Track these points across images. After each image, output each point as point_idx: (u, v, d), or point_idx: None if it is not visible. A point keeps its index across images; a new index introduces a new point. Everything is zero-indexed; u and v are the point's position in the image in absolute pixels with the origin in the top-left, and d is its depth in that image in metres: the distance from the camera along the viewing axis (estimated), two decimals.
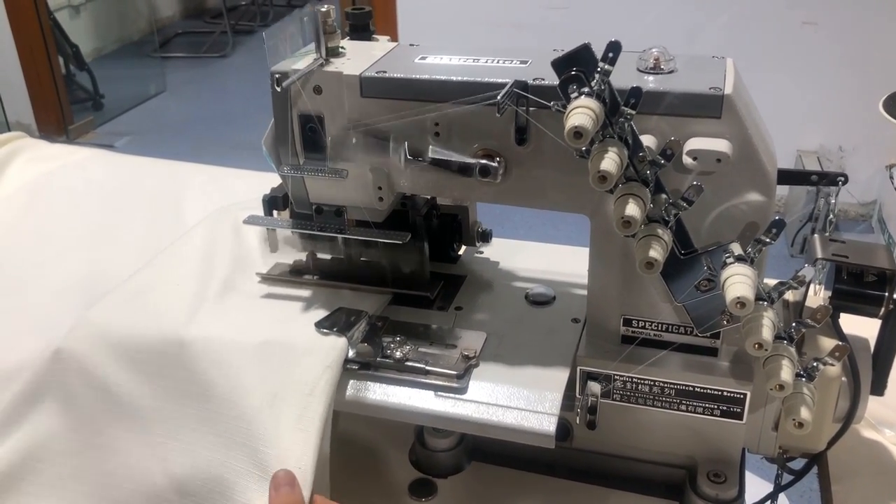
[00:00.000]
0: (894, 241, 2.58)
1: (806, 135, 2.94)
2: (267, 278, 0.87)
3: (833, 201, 0.81)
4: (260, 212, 0.85)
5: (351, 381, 0.74)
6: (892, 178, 2.68)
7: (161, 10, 5.58)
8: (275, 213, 0.85)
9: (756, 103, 0.69)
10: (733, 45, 2.77)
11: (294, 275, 0.87)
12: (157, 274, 0.87)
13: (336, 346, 0.75)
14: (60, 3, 4.30)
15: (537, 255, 0.94)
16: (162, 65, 4.77)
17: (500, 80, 0.67)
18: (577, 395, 0.75)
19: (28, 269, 0.96)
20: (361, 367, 0.75)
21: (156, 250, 0.92)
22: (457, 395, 0.72)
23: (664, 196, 0.63)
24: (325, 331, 0.77)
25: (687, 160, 0.63)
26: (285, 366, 0.73)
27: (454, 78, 0.69)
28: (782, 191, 2.94)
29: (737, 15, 2.67)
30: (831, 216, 0.82)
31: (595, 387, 0.73)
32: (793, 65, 2.84)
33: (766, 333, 0.62)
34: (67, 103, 3.91)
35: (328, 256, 0.88)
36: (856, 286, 0.71)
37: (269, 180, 0.87)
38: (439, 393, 0.73)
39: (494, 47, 0.75)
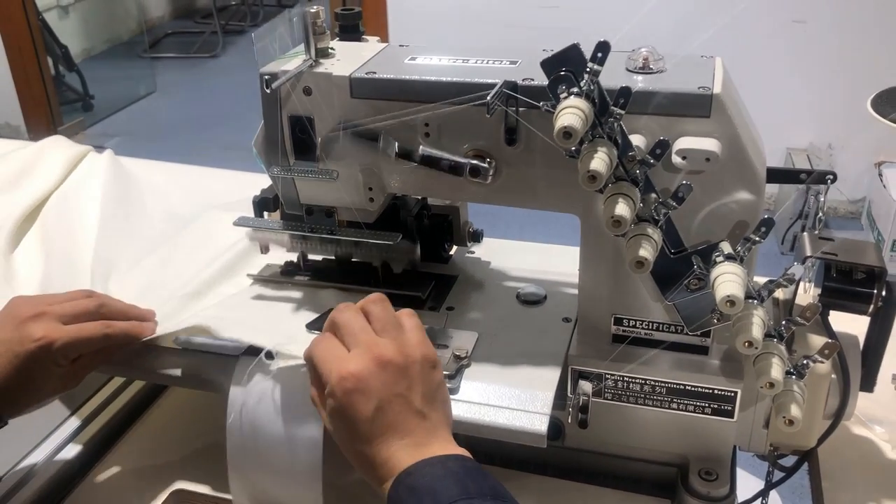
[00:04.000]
0: (883, 237, 2.60)
1: (795, 132, 2.95)
2: (257, 279, 0.87)
3: (822, 199, 0.81)
4: (250, 212, 0.85)
5: None
6: (881, 175, 2.70)
7: (151, 10, 5.56)
8: (265, 214, 0.85)
9: (745, 101, 0.69)
10: (723, 42, 2.77)
11: (285, 276, 0.87)
12: (145, 278, 0.87)
13: None
14: (49, 3, 4.28)
15: (528, 254, 0.94)
16: (152, 65, 4.76)
17: (489, 81, 0.67)
18: (569, 395, 0.75)
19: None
20: None
21: (143, 252, 0.91)
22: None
23: (654, 195, 0.63)
24: (316, 332, 0.77)
25: (676, 159, 0.64)
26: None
27: (444, 78, 0.69)
28: (772, 188, 2.94)
29: (726, 13, 2.68)
30: (821, 214, 0.82)
31: (586, 386, 0.74)
32: (782, 62, 2.85)
33: (756, 332, 0.62)
34: (57, 104, 3.89)
35: (319, 257, 0.88)
36: (845, 284, 0.71)
37: (260, 181, 0.86)
38: None
39: (484, 47, 0.75)
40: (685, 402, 0.73)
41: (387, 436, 0.62)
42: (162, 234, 0.98)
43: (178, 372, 0.78)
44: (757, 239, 0.63)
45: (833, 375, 0.73)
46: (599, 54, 0.59)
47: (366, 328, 0.66)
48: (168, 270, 0.88)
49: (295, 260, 0.88)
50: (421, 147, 0.72)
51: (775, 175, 0.71)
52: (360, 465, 0.64)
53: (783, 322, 0.66)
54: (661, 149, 0.61)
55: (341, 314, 0.67)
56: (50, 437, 0.87)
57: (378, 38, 0.82)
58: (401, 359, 0.64)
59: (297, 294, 0.84)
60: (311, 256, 0.88)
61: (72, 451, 0.86)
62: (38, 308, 0.73)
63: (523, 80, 0.67)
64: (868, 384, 0.75)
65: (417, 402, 0.64)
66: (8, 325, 0.71)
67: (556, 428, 0.78)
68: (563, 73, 0.60)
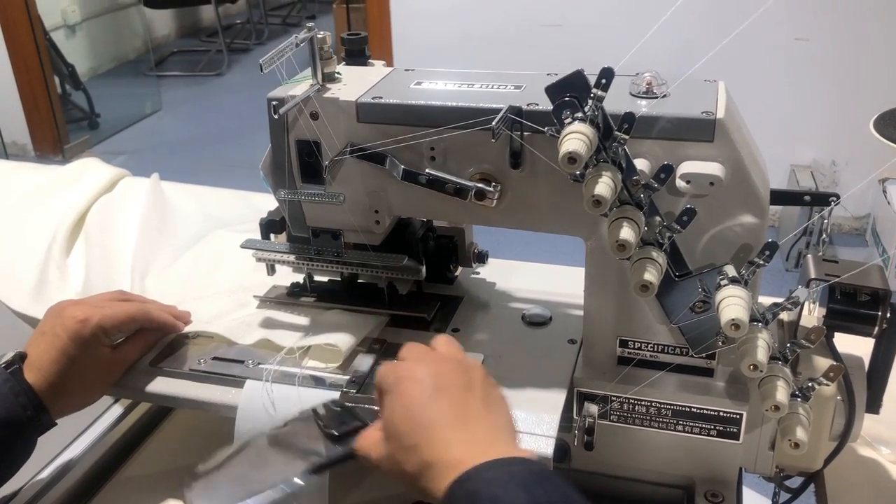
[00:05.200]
0: (888, 254, 2.59)
1: (799, 150, 2.95)
2: (264, 300, 0.88)
3: (826, 220, 0.81)
4: (257, 234, 0.86)
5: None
6: (885, 192, 2.70)
7: (156, 28, 5.59)
8: (272, 236, 0.86)
9: (748, 119, 0.70)
10: (726, 60, 2.78)
11: (291, 297, 0.88)
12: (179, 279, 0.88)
13: None
14: (56, 22, 4.31)
15: (533, 275, 0.95)
16: (157, 83, 4.78)
17: (494, 106, 0.67)
18: (575, 417, 0.75)
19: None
20: (360, 390, 0.75)
21: (179, 250, 0.93)
22: None
23: (658, 219, 0.64)
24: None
25: (680, 184, 0.64)
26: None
27: (450, 103, 0.70)
28: (776, 206, 2.95)
29: (729, 31, 2.69)
30: (825, 235, 0.83)
31: (592, 408, 0.74)
32: (786, 80, 2.85)
33: (761, 355, 0.63)
34: (63, 123, 3.91)
35: (325, 278, 0.88)
36: (849, 306, 0.71)
37: (266, 201, 0.87)
38: None
39: (489, 71, 0.76)
40: (691, 424, 0.73)
41: (443, 426, 0.55)
42: (196, 233, 1.03)
43: (185, 395, 0.78)
44: (761, 262, 0.63)
45: (838, 397, 0.73)
46: (603, 80, 0.60)
47: (428, 350, 0.65)
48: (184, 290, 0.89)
49: (301, 281, 0.88)
50: (427, 172, 0.72)
51: (779, 197, 0.71)
52: (414, 470, 0.55)
53: (788, 344, 0.66)
54: (665, 173, 0.62)
55: (407, 345, 0.66)
56: (58, 457, 0.87)
57: (384, 62, 0.82)
58: (461, 365, 0.62)
59: (303, 316, 0.85)
60: (317, 277, 0.88)
61: (78, 472, 0.86)
62: (76, 300, 0.80)
63: (528, 105, 0.67)
64: (874, 406, 0.75)
65: (477, 397, 0.59)
66: (51, 317, 0.77)
67: (562, 450, 0.78)
68: (567, 98, 0.61)
